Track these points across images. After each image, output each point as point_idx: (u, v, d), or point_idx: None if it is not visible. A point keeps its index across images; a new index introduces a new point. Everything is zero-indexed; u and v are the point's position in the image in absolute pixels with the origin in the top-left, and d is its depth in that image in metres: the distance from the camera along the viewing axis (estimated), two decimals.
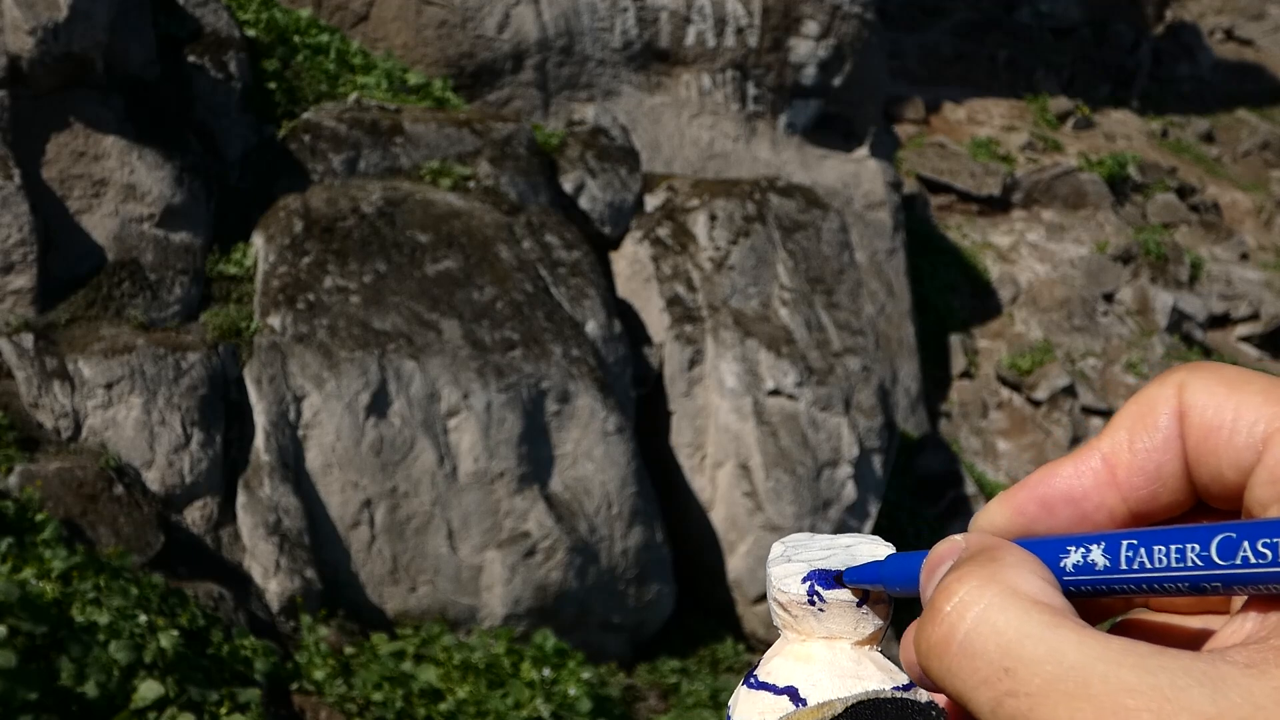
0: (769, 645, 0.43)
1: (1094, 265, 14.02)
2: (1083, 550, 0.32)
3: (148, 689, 4.31)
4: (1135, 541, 0.31)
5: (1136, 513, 0.34)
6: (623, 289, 8.36)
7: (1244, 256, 15.26)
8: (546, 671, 5.94)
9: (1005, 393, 12.62)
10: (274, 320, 6.58)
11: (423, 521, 6.54)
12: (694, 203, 8.73)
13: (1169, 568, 0.30)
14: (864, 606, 0.39)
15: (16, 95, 6.14)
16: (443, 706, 5.55)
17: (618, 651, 7.11)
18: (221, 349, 6.37)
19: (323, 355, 6.50)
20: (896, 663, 0.40)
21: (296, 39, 8.48)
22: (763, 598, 7.38)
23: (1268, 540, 0.28)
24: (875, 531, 6.24)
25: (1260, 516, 0.30)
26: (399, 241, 7.11)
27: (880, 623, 0.40)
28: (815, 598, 0.39)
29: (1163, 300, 13.82)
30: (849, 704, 0.35)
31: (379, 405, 6.49)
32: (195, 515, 6.00)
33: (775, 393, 8.04)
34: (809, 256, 8.86)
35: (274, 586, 5.96)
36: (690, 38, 10.01)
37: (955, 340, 12.88)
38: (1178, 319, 13.80)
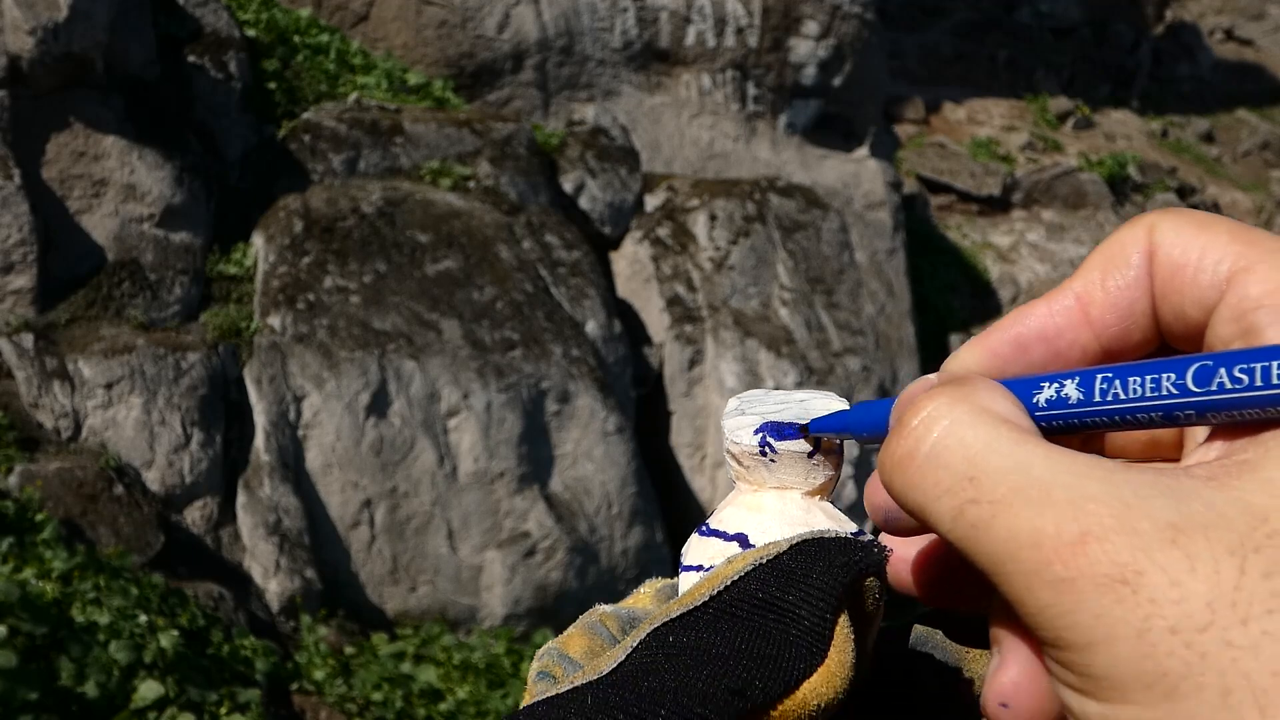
0: None
1: None
2: (1056, 385, 0.32)
3: (148, 689, 4.31)
4: (1110, 374, 0.31)
5: (1109, 350, 0.34)
6: (623, 289, 8.36)
7: None
8: None
9: None
10: (274, 320, 6.58)
11: (423, 521, 6.54)
12: (694, 203, 8.73)
13: (1144, 397, 0.30)
14: (815, 457, 0.40)
15: (16, 95, 6.14)
16: (443, 706, 5.55)
17: None
18: (221, 349, 6.37)
19: (323, 355, 6.50)
20: (847, 514, 0.40)
21: (296, 39, 8.48)
22: None
23: (1244, 366, 0.28)
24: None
25: None
26: (399, 241, 7.11)
27: (831, 473, 0.40)
28: (766, 449, 0.39)
29: None
30: (794, 542, 0.35)
31: (379, 405, 6.49)
32: (195, 515, 6.00)
33: None
34: (809, 256, 8.86)
35: (274, 586, 5.96)
36: (690, 38, 10.01)
37: (955, 340, 12.88)
38: None
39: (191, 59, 7.25)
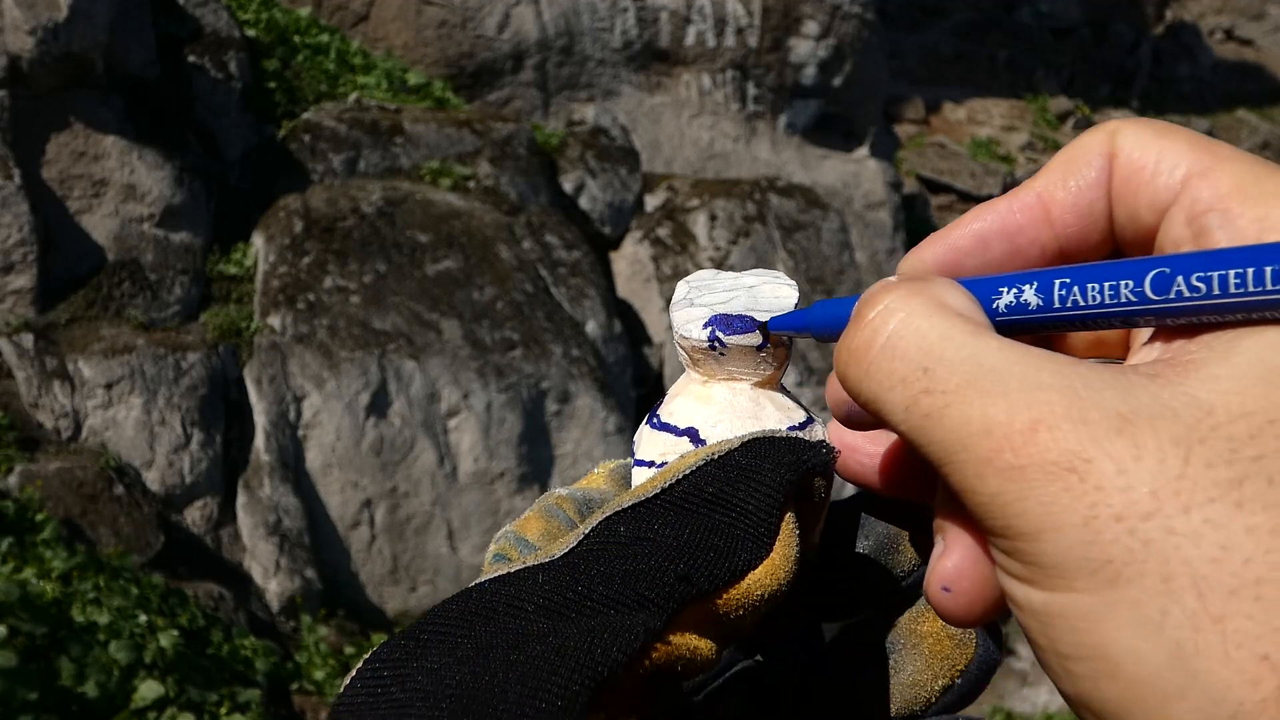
0: None
1: None
2: (1015, 290, 0.32)
3: (148, 689, 4.30)
4: (1068, 280, 0.31)
5: (1066, 251, 0.34)
6: (623, 289, 8.36)
7: None
8: None
9: None
10: (274, 320, 6.58)
11: (423, 521, 6.54)
12: (694, 203, 8.73)
13: (1103, 304, 0.30)
14: (764, 350, 0.40)
15: (16, 95, 6.14)
16: None
17: None
18: (221, 349, 6.37)
19: (323, 355, 6.50)
20: (796, 401, 0.41)
21: (296, 39, 8.48)
22: None
23: (1202, 274, 0.29)
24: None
25: None
26: (399, 241, 7.11)
27: (780, 364, 0.41)
28: (716, 343, 0.40)
29: None
30: (744, 440, 0.36)
31: (379, 405, 6.49)
32: (195, 515, 6.00)
33: None
34: (809, 256, 8.86)
35: (274, 586, 5.96)
36: (690, 38, 10.01)
37: None
38: None
39: (191, 59, 7.26)
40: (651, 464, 0.40)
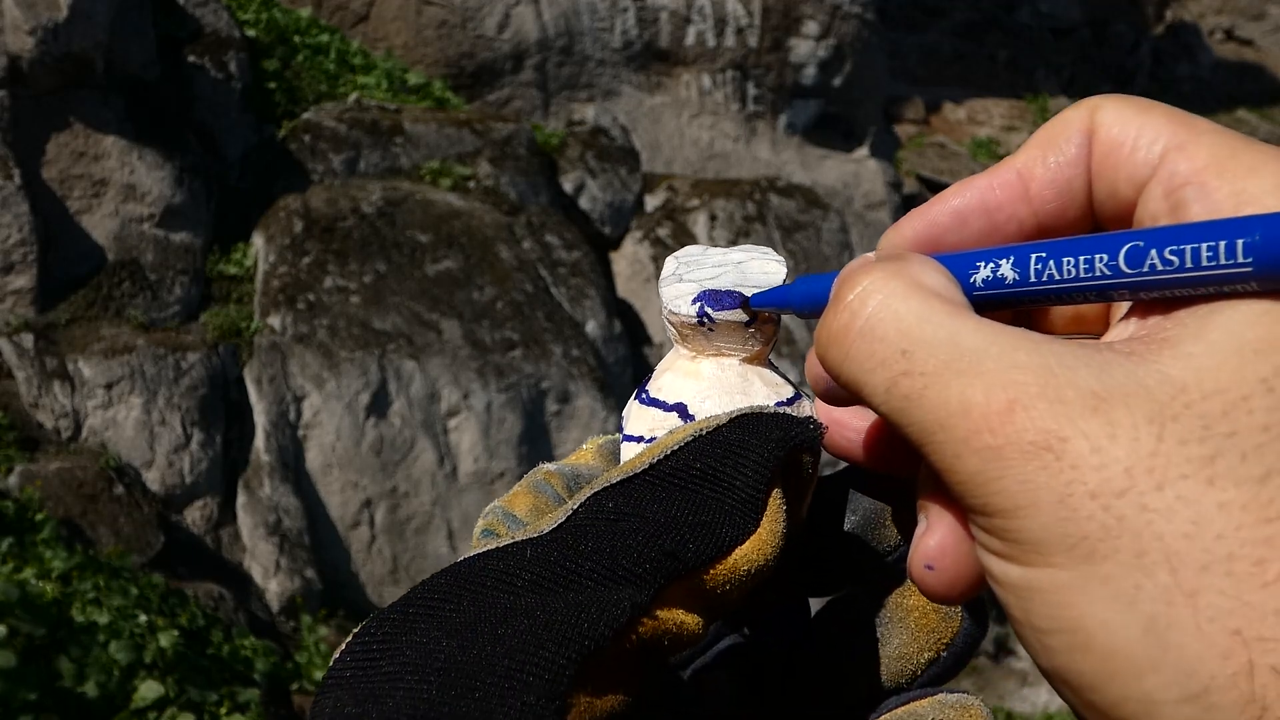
0: None
1: None
2: (992, 265, 0.32)
3: (148, 689, 4.30)
4: (1044, 254, 0.31)
5: (1045, 227, 0.34)
6: (623, 289, 8.36)
7: None
8: None
9: None
10: (274, 320, 6.58)
11: (423, 521, 6.54)
12: (694, 203, 8.73)
13: (1078, 278, 0.31)
14: (752, 326, 0.40)
15: (16, 95, 6.14)
16: None
17: None
18: (221, 349, 6.38)
19: (323, 355, 6.50)
20: (784, 377, 0.41)
21: (296, 39, 8.48)
22: None
23: (1174, 248, 0.29)
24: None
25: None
26: (399, 241, 7.11)
27: (768, 340, 0.41)
28: (705, 319, 0.40)
29: None
30: (733, 416, 0.36)
31: (379, 405, 6.49)
32: (195, 515, 6.00)
33: None
34: (809, 256, 8.86)
35: (274, 586, 5.96)
36: (690, 38, 10.01)
37: None
38: None
39: (191, 59, 7.26)
40: (640, 439, 0.40)
